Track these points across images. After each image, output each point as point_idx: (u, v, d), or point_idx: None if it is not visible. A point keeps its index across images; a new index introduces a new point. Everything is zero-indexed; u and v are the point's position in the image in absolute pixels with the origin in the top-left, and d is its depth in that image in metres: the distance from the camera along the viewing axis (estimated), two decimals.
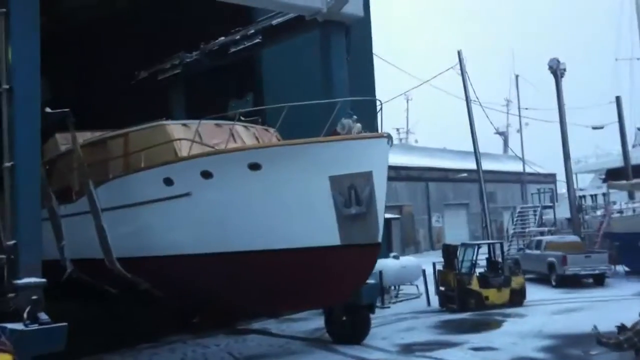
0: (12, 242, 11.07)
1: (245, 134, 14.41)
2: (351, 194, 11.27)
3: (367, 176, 11.28)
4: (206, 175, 12.13)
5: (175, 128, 13.84)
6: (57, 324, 10.69)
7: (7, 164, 11.21)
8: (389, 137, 11.69)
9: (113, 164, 14.62)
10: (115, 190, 13.79)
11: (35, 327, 10.52)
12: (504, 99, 60.84)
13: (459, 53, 30.03)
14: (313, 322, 18.73)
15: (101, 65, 25.53)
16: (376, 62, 26.61)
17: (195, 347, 15.91)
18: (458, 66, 30.03)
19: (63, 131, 15.88)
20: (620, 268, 29.53)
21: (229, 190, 12.01)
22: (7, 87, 11.27)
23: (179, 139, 13.39)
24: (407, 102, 70.77)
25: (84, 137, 15.31)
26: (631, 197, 34.18)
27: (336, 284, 11.86)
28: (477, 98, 32.28)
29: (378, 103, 12.44)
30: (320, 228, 11.48)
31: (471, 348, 14.46)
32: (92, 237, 13.88)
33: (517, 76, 54.72)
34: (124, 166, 14.34)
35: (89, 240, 14.05)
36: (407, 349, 14.65)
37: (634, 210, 30.66)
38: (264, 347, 15.87)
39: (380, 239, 11.68)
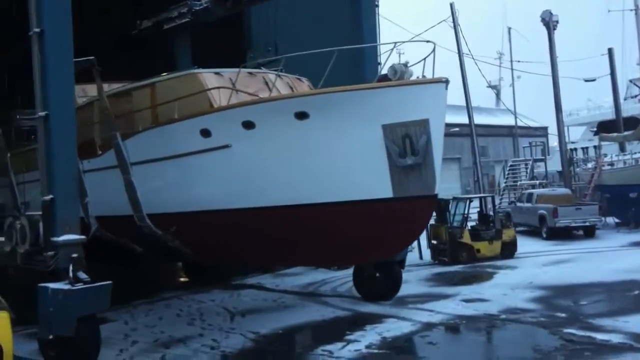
0: (48, 197, 10.50)
1: (280, 83, 13.48)
2: (406, 143, 10.59)
3: (424, 124, 10.54)
4: (248, 125, 11.37)
5: (209, 77, 12.93)
6: (102, 283, 10.32)
7: (41, 113, 10.57)
8: (447, 82, 10.86)
9: (139, 117, 13.68)
10: (145, 143, 13.04)
11: (80, 286, 10.13)
12: (496, 52, 60.35)
13: (452, 6, 29.69)
14: (306, 276, 18.95)
15: (100, 15, 24.54)
16: None
17: (190, 302, 16.09)
18: (451, 19, 29.73)
19: (78, 83, 15.35)
20: (611, 220, 29.88)
21: (273, 141, 11.28)
22: (37, 30, 10.52)
23: (214, 88, 12.59)
24: (399, 56, 69.98)
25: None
26: (622, 149, 34.36)
27: (388, 237, 11.42)
28: (470, 51, 32.07)
29: (431, 45, 11.64)
30: (371, 180, 10.83)
31: (462, 300, 14.67)
32: (119, 192, 13.21)
33: (509, 29, 54.37)
34: (152, 118, 13.52)
35: (115, 196, 13.40)
36: (400, 301, 14.84)
37: (624, 163, 30.83)
38: (258, 301, 16.06)
39: (436, 191, 11.02)
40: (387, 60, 11.40)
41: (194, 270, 19.85)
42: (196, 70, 13.28)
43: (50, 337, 10.10)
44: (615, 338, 10.73)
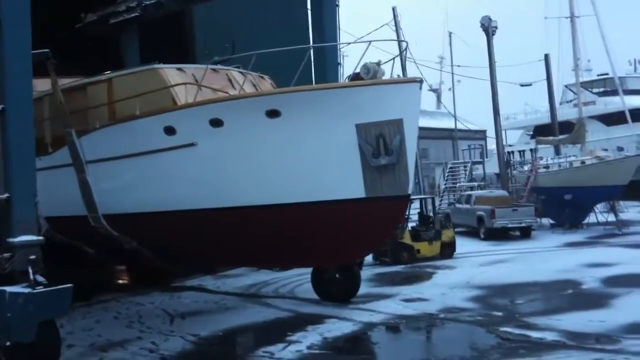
0: (4, 196, 9.97)
1: (243, 81, 13.12)
2: (380, 143, 10.54)
3: (398, 124, 10.52)
4: (215, 123, 11.10)
5: (171, 72, 12.54)
6: (63, 286, 9.82)
7: None
8: (421, 81, 10.85)
9: (94, 113, 13.04)
10: (102, 141, 12.49)
11: (41, 289, 9.58)
12: (437, 56, 61.44)
13: (394, 9, 30.02)
14: (248, 278, 18.85)
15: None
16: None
17: (129, 305, 15.77)
18: (393, 22, 30.04)
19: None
20: (546, 221, 30.72)
21: (242, 139, 11.05)
22: None
23: (179, 84, 12.22)
24: (342, 58, 70.37)
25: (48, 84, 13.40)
26: (557, 152, 35.42)
27: (360, 238, 11.35)
28: (411, 55, 32.49)
29: (404, 44, 11.47)
30: (343, 180, 10.77)
31: (403, 299, 14.81)
32: (72, 192, 12.62)
33: (450, 34, 55.34)
34: (109, 115, 12.87)
35: (67, 196, 12.79)
36: (341, 302, 14.90)
37: (559, 166, 31.78)
38: (199, 303, 15.88)
39: (410, 191, 11.07)
40: (360, 60, 11.22)
41: (139, 272, 19.43)
42: (157, 66, 12.81)
43: (8, 343, 9.47)
44: (549, 336, 10.98)
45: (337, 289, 14.87)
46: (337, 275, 14.82)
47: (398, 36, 30.10)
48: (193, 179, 11.74)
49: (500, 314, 13.03)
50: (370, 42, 11.46)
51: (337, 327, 12.50)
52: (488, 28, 33.87)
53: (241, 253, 12.63)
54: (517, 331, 11.43)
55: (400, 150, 10.63)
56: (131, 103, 12.36)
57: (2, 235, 10.17)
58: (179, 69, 12.82)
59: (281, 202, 11.15)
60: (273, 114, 10.87)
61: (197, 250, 12.87)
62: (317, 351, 10.99)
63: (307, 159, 10.91)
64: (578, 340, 10.68)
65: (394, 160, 10.64)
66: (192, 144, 11.52)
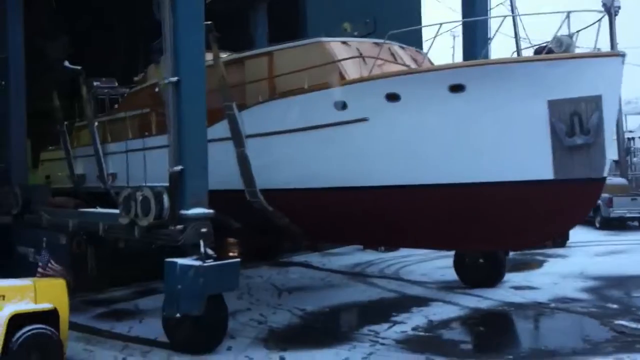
0: (178, 168, 10.05)
1: (404, 55, 12.72)
2: (574, 121, 9.90)
3: (596, 101, 9.86)
4: (392, 97, 10.70)
5: (336, 46, 12.12)
6: (232, 260, 10.05)
7: (172, 79, 10.06)
8: (624, 55, 10.07)
9: (252, 87, 12.85)
10: (264, 115, 12.27)
11: (211, 262, 9.61)
12: (553, 37, 58.95)
13: None
14: (353, 257, 19.06)
15: None
16: None
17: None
18: (508, 2, 29.12)
19: None
20: None
21: (421, 114, 10.57)
22: None
23: (352, 58, 11.80)
24: (454, 39, 68.59)
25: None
26: None
27: (544, 222, 10.77)
28: (527, 36, 31.38)
29: (599, 15, 10.49)
30: (529, 159, 10.17)
31: (512, 287, 14.49)
32: (224, 166, 12.19)
33: (568, 13, 53.00)
34: (269, 89, 12.64)
35: (219, 170, 12.16)
36: (447, 285, 14.76)
37: None
38: (306, 279, 16.20)
39: (605, 174, 10.34)
40: (556, 33, 10.61)
41: (250, 247, 19.88)
42: (323, 39, 12.43)
43: (178, 315, 9.63)
44: None
45: (480, 274, 14.48)
46: (481, 261, 14.39)
47: (513, 17, 29.14)
48: (363, 155, 11.35)
49: (615, 306, 12.52)
50: (569, 12, 10.62)
51: (443, 310, 12.43)
52: (610, 8, 32.22)
53: (406, 233, 12.12)
54: (633, 325, 10.96)
55: (597, 129, 9.95)
56: (293, 77, 12.09)
57: (174, 208, 10.21)
58: (343, 42, 12.51)
59: (460, 182, 10.65)
60: (457, 88, 10.36)
61: (356, 228, 12.41)
62: (421, 333, 10.98)
63: (491, 136, 10.36)
64: None
65: (591, 140, 9.95)
66: (363, 119, 11.20)
